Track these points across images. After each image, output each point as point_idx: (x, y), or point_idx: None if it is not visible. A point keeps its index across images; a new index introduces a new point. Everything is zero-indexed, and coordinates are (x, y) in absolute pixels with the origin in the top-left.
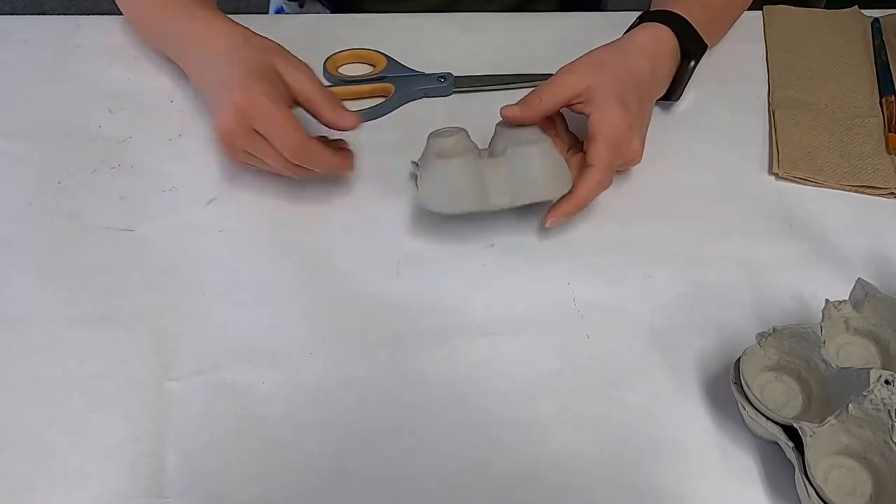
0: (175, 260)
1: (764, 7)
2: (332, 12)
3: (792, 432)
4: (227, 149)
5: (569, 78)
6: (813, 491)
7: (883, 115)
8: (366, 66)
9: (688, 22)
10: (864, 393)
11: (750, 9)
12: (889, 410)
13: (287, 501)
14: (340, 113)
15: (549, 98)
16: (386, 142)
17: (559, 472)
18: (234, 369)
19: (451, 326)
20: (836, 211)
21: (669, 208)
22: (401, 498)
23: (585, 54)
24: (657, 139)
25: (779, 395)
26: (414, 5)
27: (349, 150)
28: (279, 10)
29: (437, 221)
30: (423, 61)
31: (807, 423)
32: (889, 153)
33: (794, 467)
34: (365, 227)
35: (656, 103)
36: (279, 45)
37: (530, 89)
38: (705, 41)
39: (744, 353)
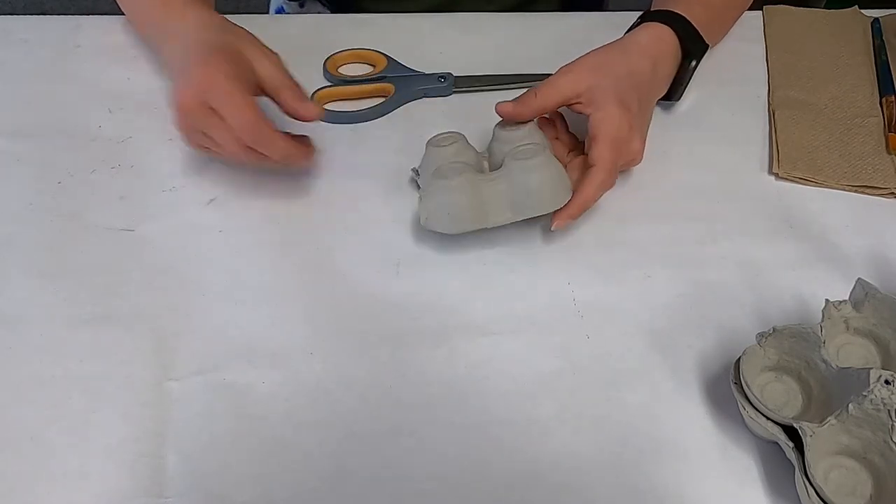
0: (175, 260)
1: (764, 7)
2: (332, 12)
3: (792, 432)
4: (182, 127)
5: (568, 78)
6: (813, 491)
7: (883, 115)
8: (366, 66)
9: (689, 22)
10: (864, 393)
11: (750, 9)
12: (889, 410)
13: (287, 501)
14: (303, 103)
15: (545, 96)
16: (386, 142)
17: (559, 472)
18: (234, 369)
19: (451, 326)
20: (836, 211)
21: (669, 208)
22: (401, 498)
23: (586, 55)
24: (657, 139)
25: (779, 395)
26: (414, 5)
27: (310, 145)
28: (279, 10)
29: None
30: (423, 61)
31: (807, 423)
32: (889, 153)
33: (794, 467)
34: (365, 227)
35: (657, 103)
36: (251, 34)
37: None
38: (706, 41)
39: (744, 353)
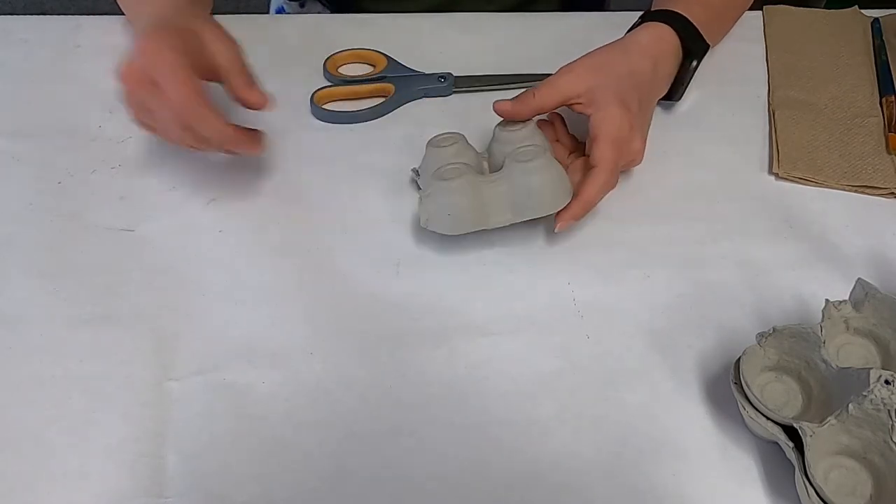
0: (175, 260)
1: (764, 7)
2: (332, 12)
3: (792, 432)
4: (127, 101)
5: (568, 78)
6: (813, 491)
7: (883, 115)
8: (366, 66)
9: (689, 22)
10: (864, 393)
11: (750, 9)
12: (889, 410)
13: (287, 501)
14: (251, 89)
15: (544, 96)
16: (386, 142)
17: (559, 472)
18: (234, 369)
19: (451, 326)
20: (836, 211)
21: (669, 208)
22: (401, 498)
23: (586, 55)
24: (657, 139)
25: (779, 395)
26: (414, 5)
27: (257, 133)
28: (279, 10)
29: None
30: (423, 61)
31: (807, 423)
32: (889, 153)
33: (794, 467)
34: (365, 227)
35: (657, 103)
36: (217, 23)
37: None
38: (707, 41)
39: (744, 353)
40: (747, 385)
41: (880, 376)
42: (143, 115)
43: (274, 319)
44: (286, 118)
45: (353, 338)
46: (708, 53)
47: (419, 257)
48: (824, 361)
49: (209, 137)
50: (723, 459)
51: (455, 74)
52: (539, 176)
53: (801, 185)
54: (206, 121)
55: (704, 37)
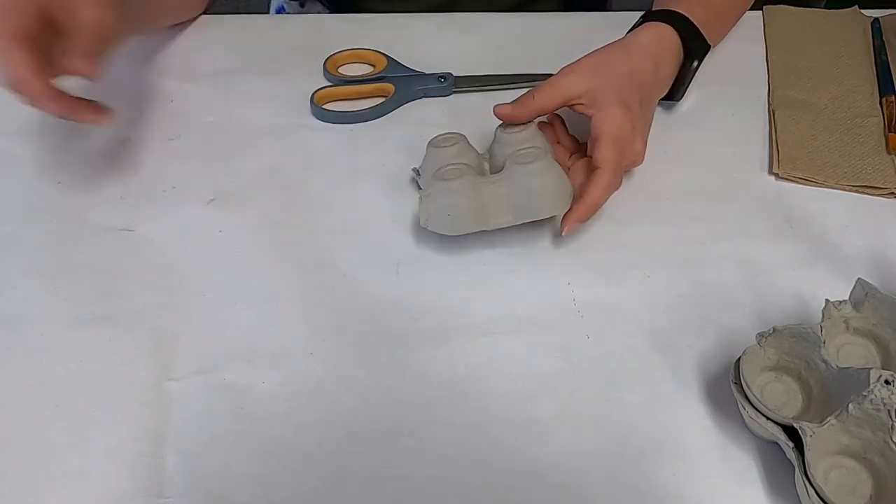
0: (175, 260)
1: (764, 7)
2: (332, 12)
3: (792, 432)
4: None
5: (569, 79)
6: (813, 491)
7: (883, 115)
8: (366, 66)
9: (691, 21)
10: (864, 393)
11: (750, 9)
12: (889, 410)
13: (287, 501)
14: (83, 57)
15: (544, 98)
16: (386, 142)
17: (559, 472)
18: (234, 369)
19: (451, 326)
20: (836, 211)
21: (669, 208)
22: (401, 498)
23: (587, 55)
24: (657, 139)
25: (779, 395)
26: (414, 5)
27: (95, 105)
28: (280, 10)
29: None
30: (423, 61)
31: (807, 423)
32: (889, 153)
33: (794, 467)
34: (365, 227)
35: (658, 103)
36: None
37: (529, 89)
38: (708, 41)
39: (744, 353)
40: (747, 385)
41: (880, 376)
42: None
43: (274, 319)
44: (286, 118)
45: (353, 338)
46: (708, 53)
47: (419, 257)
48: (824, 361)
49: (10, 85)
50: (723, 459)
51: (455, 74)
52: (539, 178)
53: (801, 185)
54: (17, 70)
55: (705, 37)
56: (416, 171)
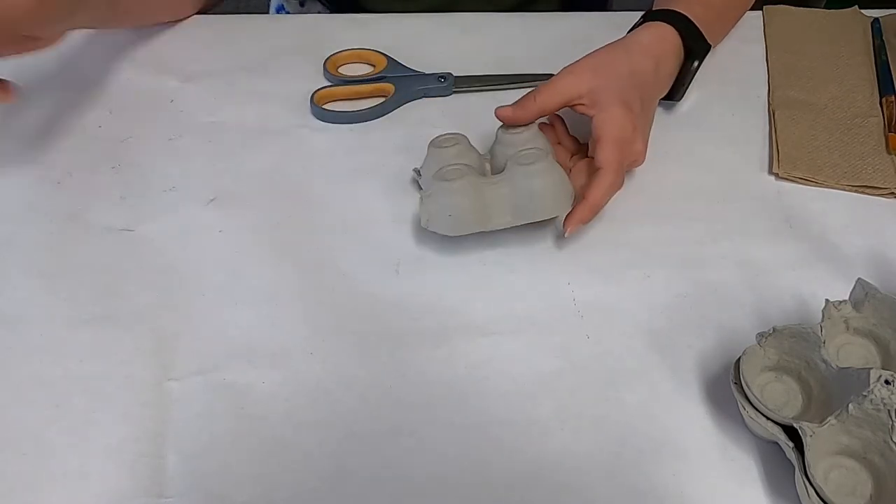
0: (175, 260)
1: (764, 7)
2: (332, 12)
3: (792, 432)
4: None
5: (570, 79)
6: (813, 491)
7: (883, 115)
8: (366, 66)
9: (691, 21)
10: (864, 393)
11: (750, 9)
12: (889, 410)
13: (287, 501)
14: None
15: (546, 99)
16: (386, 142)
17: (559, 472)
18: (234, 369)
19: (451, 326)
20: (836, 211)
21: (669, 208)
22: (401, 498)
23: (587, 55)
24: (657, 139)
25: (779, 395)
26: (414, 5)
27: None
28: (279, 10)
29: None
30: (423, 61)
31: (807, 423)
32: (889, 153)
33: (794, 467)
34: (365, 227)
35: (658, 103)
36: None
37: (530, 89)
38: (708, 41)
39: (744, 353)
40: (747, 385)
41: (880, 376)
42: None
43: (274, 319)
44: (286, 118)
45: (353, 338)
46: (708, 54)
47: (419, 257)
48: (824, 361)
49: None
50: (723, 459)
51: (455, 74)
52: (541, 179)
53: (801, 185)
54: None
55: (706, 37)
56: (417, 172)
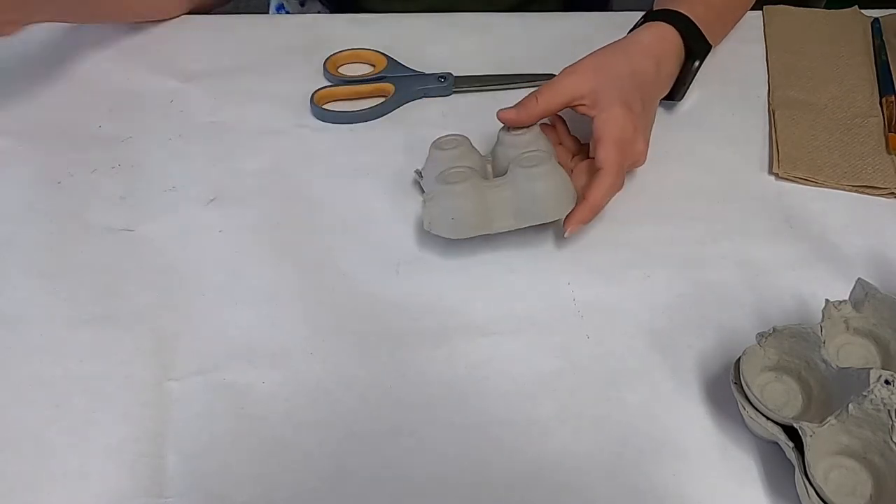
0: (175, 260)
1: (764, 7)
2: (332, 12)
3: (792, 432)
4: None
5: (571, 80)
6: (813, 491)
7: (883, 115)
8: (366, 66)
9: (692, 21)
10: (864, 393)
11: (750, 9)
12: (889, 410)
13: (287, 501)
14: None
15: (547, 100)
16: (386, 142)
17: (559, 472)
18: (234, 369)
19: (451, 326)
20: (836, 211)
21: (669, 208)
22: (401, 498)
23: (588, 55)
24: (658, 139)
25: (779, 395)
26: (414, 5)
27: None
28: (279, 10)
29: None
30: (423, 61)
31: (807, 423)
32: (889, 153)
33: (794, 467)
34: (365, 227)
35: (659, 103)
36: None
37: (530, 89)
38: (709, 41)
39: (744, 353)
40: (747, 385)
41: (880, 376)
42: None
43: (274, 319)
44: (286, 118)
45: (353, 338)
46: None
47: (419, 257)
48: (824, 361)
49: None
50: (723, 459)
51: (455, 74)
52: (543, 182)
53: (801, 185)
54: None
55: (707, 37)
56: (419, 173)
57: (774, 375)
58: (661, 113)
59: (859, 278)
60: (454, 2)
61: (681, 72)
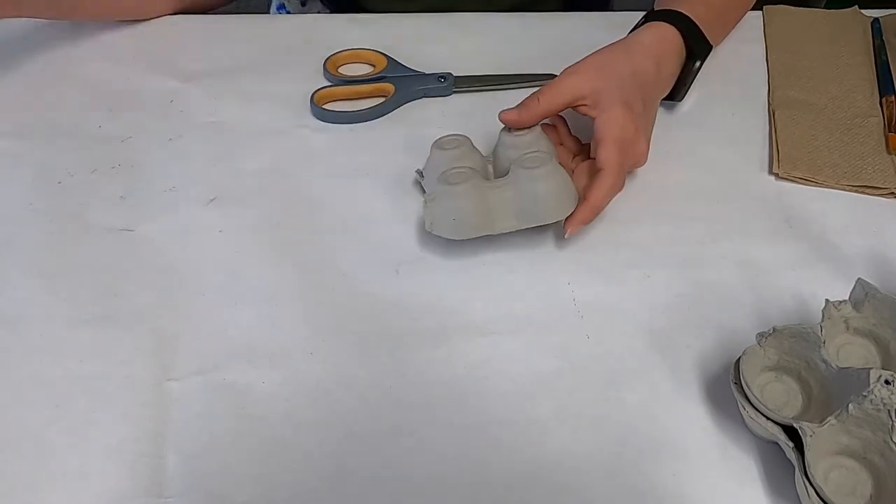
0: (175, 260)
1: (764, 7)
2: (332, 12)
3: (792, 432)
4: None
5: (572, 80)
6: (813, 491)
7: (883, 115)
8: (366, 66)
9: (693, 22)
10: (864, 393)
11: (750, 9)
12: (889, 410)
13: (287, 501)
14: None
15: (549, 100)
16: (386, 142)
17: (558, 472)
18: (234, 369)
19: (451, 326)
20: (836, 211)
21: (669, 208)
22: (401, 498)
23: (589, 55)
24: (658, 139)
25: (779, 395)
26: (414, 5)
27: None
28: (280, 9)
29: None
30: (423, 61)
31: (807, 423)
32: (889, 153)
33: (794, 467)
34: (365, 227)
35: (659, 104)
36: None
37: (530, 89)
38: (710, 41)
39: (744, 353)
40: (747, 385)
41: (880, 376)
42: None
43: (274, 319)
44: (286, 118)
45: (353, 338)
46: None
47: (419, 257)
48: (824, 361)
49: None
50: (723, 459)
51: (455, 74)
52: (545, 183)
53: (801, 185)
54: None
55: (707, 37)
56: (420, 173)
57: (774, 375)
58: (661, 113)
59: (859, 278)
60: (454, 2)
61: (681, 72)
